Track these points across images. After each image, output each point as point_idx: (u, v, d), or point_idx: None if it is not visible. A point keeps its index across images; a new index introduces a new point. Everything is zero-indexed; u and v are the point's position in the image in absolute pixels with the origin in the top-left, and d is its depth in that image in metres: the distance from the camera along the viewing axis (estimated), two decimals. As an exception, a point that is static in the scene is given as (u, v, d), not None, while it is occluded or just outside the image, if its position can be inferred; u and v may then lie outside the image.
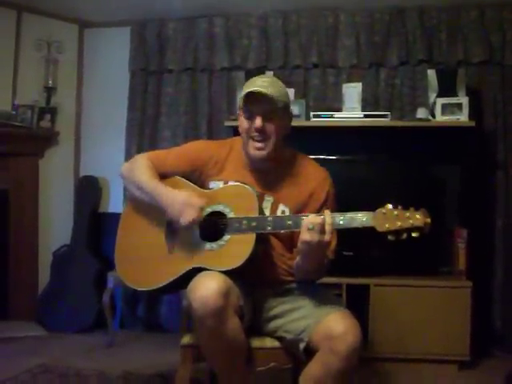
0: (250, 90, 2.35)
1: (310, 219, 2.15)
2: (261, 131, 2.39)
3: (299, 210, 2.44)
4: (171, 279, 2.36)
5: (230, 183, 2.46)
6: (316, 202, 2.47)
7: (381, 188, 3.75)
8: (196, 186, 2.51)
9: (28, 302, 4.58)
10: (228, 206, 2.37)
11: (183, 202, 2.34)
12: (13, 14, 4.55)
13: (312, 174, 2.53)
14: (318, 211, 2.38)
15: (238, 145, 2.57)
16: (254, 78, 2.50)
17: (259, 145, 2.41)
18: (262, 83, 2.40)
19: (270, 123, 2.40)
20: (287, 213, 2.44)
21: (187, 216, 2.32)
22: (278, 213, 2.44)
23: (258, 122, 2.38)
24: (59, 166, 4.85)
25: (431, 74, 4.02)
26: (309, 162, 2.59)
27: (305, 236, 2.15)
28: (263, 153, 2.42)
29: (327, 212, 2.18)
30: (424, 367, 3.63)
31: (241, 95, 2.42)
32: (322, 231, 2.13)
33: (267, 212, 2.43)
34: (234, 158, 2.55)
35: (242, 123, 2.44)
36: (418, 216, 2.08)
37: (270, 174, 2.49)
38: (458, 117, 3.84)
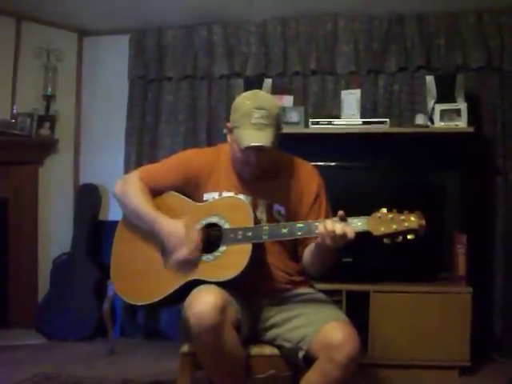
0: (250, 144, 2.31)
1: (330, 228, 2.14)
2: (255, 165, 2.41)
3: (294, 206, 2.49)
4: (168, 293, 2.36)
5: (224, 194, 2.48)
6: (309, 195, 2.51)
7: (380, 194, 3.75)
8: (190, 200, 2.52)
9: (28, 309, 4.57)
10: (223, 217, 2.37)
11: (180, 237, 2.34)
12: (12, 22, 4.56)
13: (299, 171, 2.57)
14: (313, 204, 2.49)
15: (225, 152, 2.58)
16: (248, 106, 2.39)
17: (251, 170, 2.44)
18: (260, 120, 2.34)
19: (262, 154, 2.39)
20: (283, 212, 2.48)
21: (182, 255, 2.33)
22: (274, 213, 2.47)
23: (256, 157, 2.39)
24: (59, 173, 4.86)
25: (430, 79, 4.02)
26: (294, 159, 2.62)
27: (327, 242, 2.16)
28: (256, 173, 2.46)
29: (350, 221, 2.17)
30: (424, 373, 3.62)
31: (235, 124, 2.39)
32: (344, 237, 2.13)
33: (263, 215, 2.46)
34: (223, 167, 2.56)
35: (236, 151, 2.42)
36: (412, 218, 2.10)
37: (260, 178, 2.51)
38: (457, 123, 3.83)
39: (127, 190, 2.54)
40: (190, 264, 2.34)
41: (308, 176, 2.56)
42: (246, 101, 2.44)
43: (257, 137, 2.32)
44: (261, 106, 2.37)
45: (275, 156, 2.51)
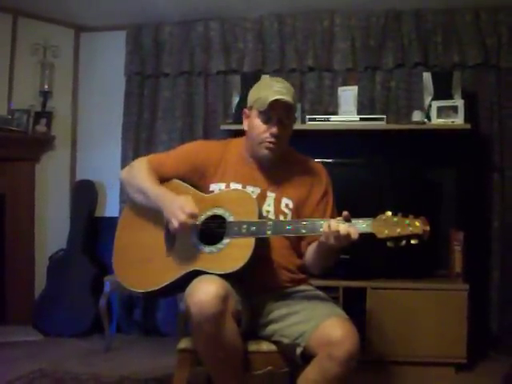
0: (275, 97, 2.39)
1: (334, 228, 2.15)
2: (277, 136, 2.44)
3: (301, 201, 2.51)
4: (169, 282, 2.36)
5: (232, 185, 2.50)
6: (317, 192, 2.55)
7: (377, 191, 3.76)
8: (197, 190, 2.52)
9: (25, 306, 4.57)
10: (228, 209, 2.38)
11: (177, 205, 2.32)
12: (9, 18, 4.56)
13: (309, 168, 2.61)
14: (320, 202, 2.52)
15: (236, 144, 2.63)
16: (268, 81, 2.59)
17: (272, 146, 2.46)
18: (281, 89, 2.45)
19: (284, 128, 2.47)
20: (291, 205, 2.49)
21: (177, 220, 2.30)
22: (282, 206, 2.49)
23: (277, 128, 2.44)
24: (55, 170, 4.85)
25: (427, 76, 4.02)
26: (303, 157, 2.67)
27: (330, 241, 2.18)
28: (272, 153, 2.48)
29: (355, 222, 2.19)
30: (421, 370, 3.63)
31: (257, 96, 2.48)
32: (348, 238, 2.14)
33: (271, 208, 2.48)
34: (234, 159, 2.58)
35: (257, 126, 2.47)
36: (417, 223, 2.11)
37: (270, 171, 2.53)
38: (454, 119, 3.84)
39: (134, 171, 2.56)
40: (188, 251, 2.34)
41: (317, 174, 2.59)
42: (264, 80, 2.65)
43: (281, 95, 2.41)
44: (280, 81, 2.53)
45: (288, 149, 2.58)
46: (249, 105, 2.54)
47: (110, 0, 4.35)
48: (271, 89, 2.44)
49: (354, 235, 2.13)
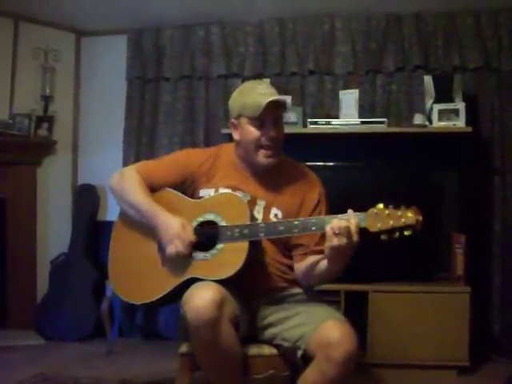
0: (269, 99, 2.34)
1: (334, 224, 2.12)
2: (275, 139, 2.41)
3: (292, 212, 2.46)
4: (166, 292, 2.36)
5: (221, 190, 2.46)
6: (310, 202, 2.50)
7: (378, 194, 3.73)
8: (187, 197, 2.50)
9: (26, 310, 4.57)
10: (219, 214, 2.36)
11: (174, 233, 2.31)
12: (10, 22, 4.56)
13: (302, 177, 2.56)
14: (313, 211, 2.46)
15: (226, 150, 2.60)
16: (249, 85, 2.53)
17: (270, 152, 2.42)
18: (266, 89, 2.42)
19: (278, 129, 2.43)
20: (280, 216, 2.45)
21: (174, 248, 2.31)
22: (271, 216, 2.45)
23: (274, 131, 2.40)
24: (57, 174, 4.86)
25: (428, 79, 4.03)
26: (297, 165, 2.62)
27: (333, 242, 2.12)
28: (274, 160, 2.45)
29: (350, 212, 2.16)
30: (423, 373, 3.62)
31: (243, 103, 2.43)
32: (349, 234, 2.10)
33: (260, 216, 2.44)
34: (224, 164, 2.56)
35: (251, 133, 2.41)
36: (409, 214, 2.09)
37: (262, 178, 2.50)
38: (455, 123, 3.84)
39: (125, 184, 2.52)
40: (182, 260, 2.33)
41: (311, 183, 2.54)
42: (245, 85, 2.56)
43: (272, 96, 2.37)
44: (260, 82, 2.54)
45: (282, 156, 2.53)
46: (235, 114, 2.48)
47: (110, 4, 4.35)
48: (256, 92, 2.40)
49: (353, 226, 2.09)
